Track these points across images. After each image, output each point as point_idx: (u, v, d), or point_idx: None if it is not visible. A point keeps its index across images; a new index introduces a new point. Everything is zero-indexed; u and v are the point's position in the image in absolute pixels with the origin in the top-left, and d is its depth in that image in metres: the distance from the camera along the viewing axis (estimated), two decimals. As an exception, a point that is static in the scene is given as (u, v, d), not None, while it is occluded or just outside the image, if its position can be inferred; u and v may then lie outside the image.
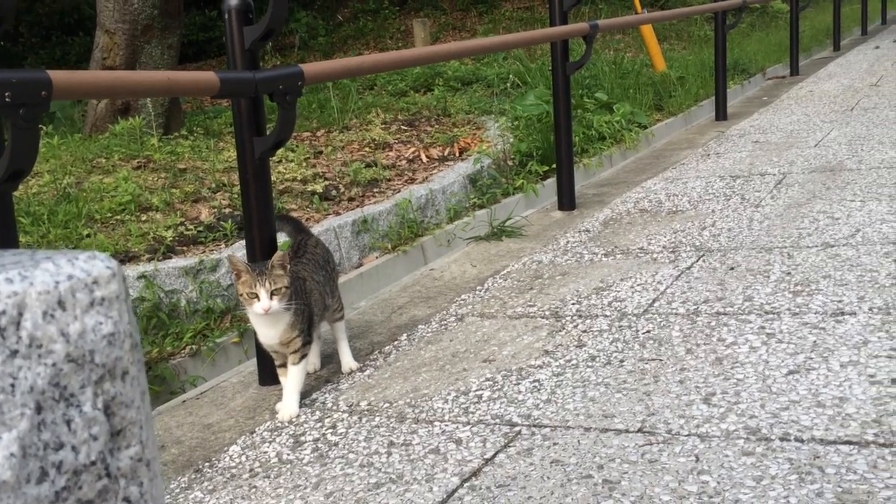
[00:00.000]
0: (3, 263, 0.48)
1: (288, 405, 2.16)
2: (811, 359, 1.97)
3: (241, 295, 2.05)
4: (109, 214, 3.30)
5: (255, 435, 2.08)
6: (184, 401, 2.38)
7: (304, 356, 2.17)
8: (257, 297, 2.01)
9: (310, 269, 2.29)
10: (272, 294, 2.00)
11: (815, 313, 2.26)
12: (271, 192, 2.42)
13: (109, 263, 0.52)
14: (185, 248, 3.06)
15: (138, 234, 3.09)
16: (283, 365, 2.16)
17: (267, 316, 2.03)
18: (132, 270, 2.76)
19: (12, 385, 0.44)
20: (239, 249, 2.99)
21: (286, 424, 2.11)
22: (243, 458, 1.97)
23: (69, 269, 0.49)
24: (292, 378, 2.17)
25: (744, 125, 5.82)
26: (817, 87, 7.20)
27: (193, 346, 2.64)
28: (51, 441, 0.45)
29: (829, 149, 4.54)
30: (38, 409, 0.44)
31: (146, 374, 2.47)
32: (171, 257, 2.95)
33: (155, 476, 0.52)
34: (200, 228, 3.22)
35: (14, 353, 0.44)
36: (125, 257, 2.93)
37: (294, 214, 3.61)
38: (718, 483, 1.51)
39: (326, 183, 3.96)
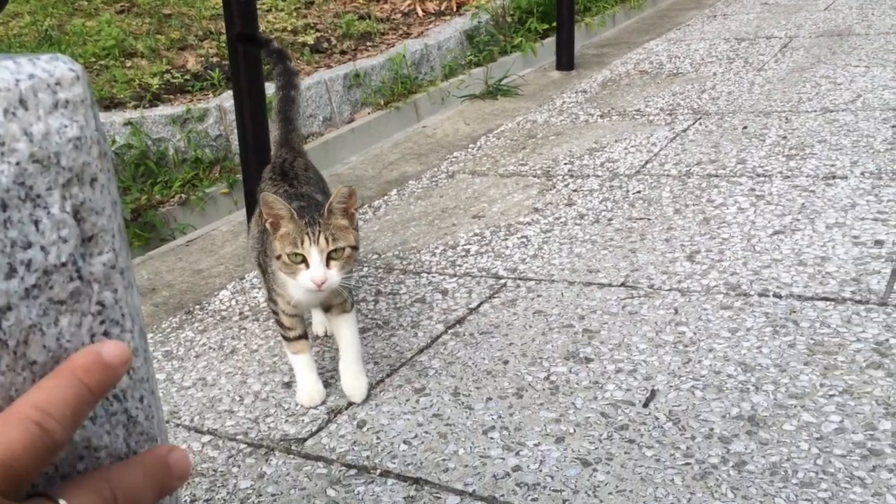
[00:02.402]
0: (-39, 62, 0.46)
1: (362, 382, 1.51)
2: (798, 220, 1.98)
3: (280, 256, 1.34)
4: (93, 59, 3.20)
5: (244, 281, 2.12)
6: (174, 248, 2.40)
7: (354, 302, 1.55)
8: (305, 261, 1.32)
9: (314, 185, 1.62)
10: (329, 258, 1.33)
11: (807, 177, 2.26)
12: (259, 38, 2.33)
13: (73, 66, 0.50)
14: (171, 97, 2.99)
15: (123, 81, 3.01)
16: (303, 337, 1.52)
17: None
18: (118, 117, 2.71)
19: (-25, 181, 0.43)
20: (227, 100, 2.92)
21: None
22: (233, 302, 2.01)
23: (30, 68, 0.47)
24: (353, 336, 1.50)
25: (754, -14, 5.58)
26: (834, -53, 6.86)
27: (182, 195, 2.64)
28: (18, 239, 0.44)
29: (839, 13, 4.39)
30: (4, 206, 0.44)
31: (136, 221, 2.46)
32: (157, 105, 2.89)
33: (130, 285, 0.52)
34: (187, 77, 3.13)
35: (-25, 149, 0.43)
36: (110, 103, 2.87)
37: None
38: (695, 334, 1.56)
39: (318, 35, 3.82)
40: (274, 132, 1.79)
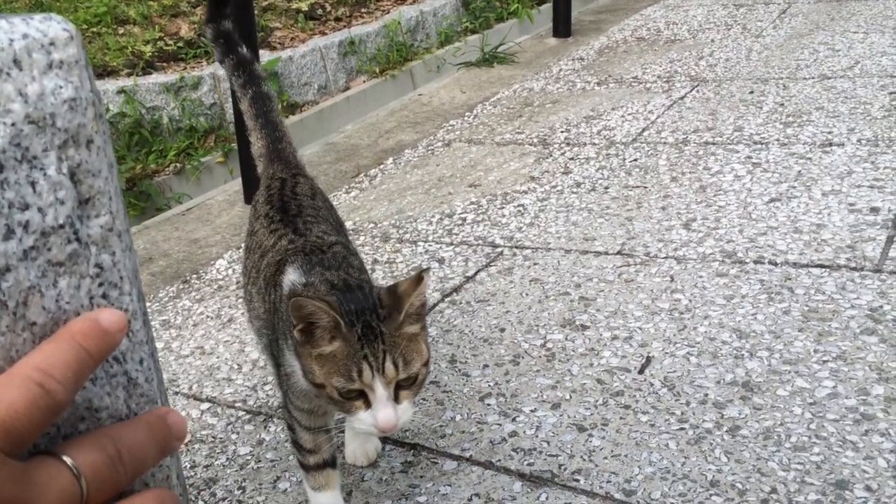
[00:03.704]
0: (-47, 21, 0.46)
1: (369, 446, 1.23)
2: (794, 187, 1.98)
3: (323, 385, 0.90)
4: (85, 26, 3.16)
5: (240, 250, 2.12)
6: (169, 217, 2.39)
7: None
8: (364, 397, 0.90)
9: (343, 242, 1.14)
10: (398, 387, 0.90)
11: (804, 144, 2.25)
12: (253, 8, 2.31)
13: (66, 26, 0.49)
14: (164, 65, 2.96)
15: (116, 49, 2.97)
16: (330, 464, 1.10)
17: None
18: (111, 85, 2.69)
19: (-30, 142, 0.43)
20: (221, 68, 2.89)
21: None
22: (230, 271, 2.01)
23: (24, 28, 0.46)
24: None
25: (752, -48, 5.52)
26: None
27: (178, 165, 2.62)
28: (15, 201, 0.44)
29: (839, -21, 4.35)
30: (0, 168, 0.44)
31: (131, 190, 2.44)
32: (150, 73, 2.86)
33: (127, 248, 0.52)
34: (180, 44, 3.10)
35: (-30, 110, 0.43)
36: (103, 71, 2.84)
37: (278, 34, 3.47)
38: (690, 301, 1.56)
39: (312, 1, 3.78)
40: (256, 144, 1.39)
